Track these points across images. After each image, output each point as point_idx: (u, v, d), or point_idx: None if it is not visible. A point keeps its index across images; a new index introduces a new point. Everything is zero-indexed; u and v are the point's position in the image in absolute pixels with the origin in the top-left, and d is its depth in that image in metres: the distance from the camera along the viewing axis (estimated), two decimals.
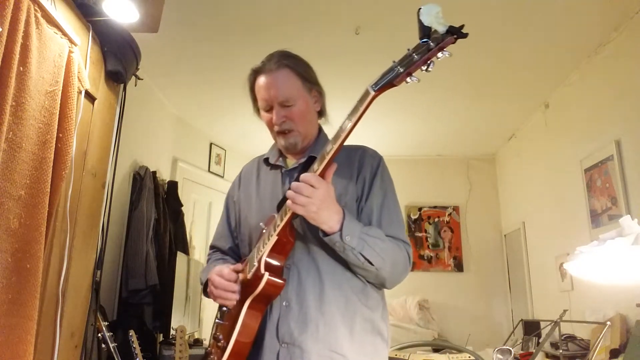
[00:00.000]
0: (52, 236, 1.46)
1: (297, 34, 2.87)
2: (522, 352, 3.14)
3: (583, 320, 2.84)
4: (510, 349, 1.99)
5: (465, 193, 4.94)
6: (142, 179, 3.20)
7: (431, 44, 0.90)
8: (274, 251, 1.17)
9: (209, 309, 4.21)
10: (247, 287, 1.20)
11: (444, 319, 4.53)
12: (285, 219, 1.13)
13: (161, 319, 3.05)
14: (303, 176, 1.09)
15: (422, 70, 0.96)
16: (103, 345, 2.06)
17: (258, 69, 1.37)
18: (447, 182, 4.96)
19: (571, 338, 2.85)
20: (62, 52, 1.45)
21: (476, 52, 3.07)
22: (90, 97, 1.68)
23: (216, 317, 1.36)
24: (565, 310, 2.36)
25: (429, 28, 0.89)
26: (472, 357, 2.88)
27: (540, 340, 2.97)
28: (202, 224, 4.35)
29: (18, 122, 1.25)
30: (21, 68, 1.26)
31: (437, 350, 3.55)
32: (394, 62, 0.97)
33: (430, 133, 4.42)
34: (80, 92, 1.58)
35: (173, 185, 3.69)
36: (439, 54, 0.92)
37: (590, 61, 3.04)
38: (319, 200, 1.07)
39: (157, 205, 3.26)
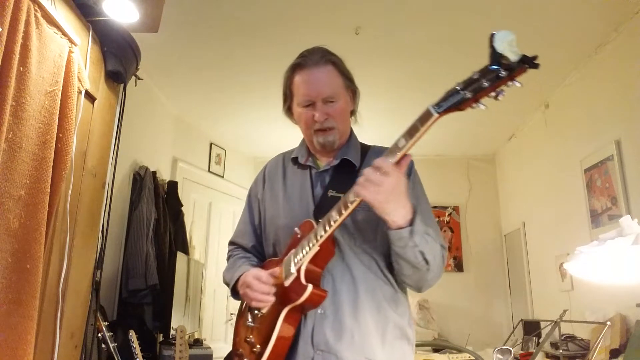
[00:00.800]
0: (52, 236, 1.46)
1: (297, 34, 2.87)
2: (522, 352, 3.14)
3: (583, 320, 2.84)
4: (510, 349, 1.99)
5: (465, 193, 4.94)
6: (142, 179, 3.20)
7: (502, 72, 0.88)
8: (314, 261, 1.16)
9: (209, 309, 4.21)
10: (283, 293, 1.18)
11: (444, 319, 4.53)
12: (330, 230, 1.11)
13: (161, 319, 3.05)
14: (377, 161, 1.05)
15: (489, 97, 0.93)
16: (103, 345, 2.05)
17: (300, 64, 1.31)
18: (447, 182, 4.95)
19: (571, 338, 2.85)
20: (62, 52, 1.45)
21: (476, 51, 3.06)
22: (90, 97, 1.68)
23: (239, 317, 1.35)
24: (565, 310, 2.36)
25: (500, 55, 0.87)
26: (472, 357, 2.88)
27: (540, 340, 2.96)
28: (202, 224, 4.35)
29: (18, 122, 1.25)
30: (21, 68, 1.26)
31: (437, 350, 3.55)
32: (458, 84, 0.94)
33: (430, 133, 4.41)
34: (80, 92, 1.58)
35: (173, 185, 3.69)
36: (509, 83, 0.89)
37: (590, 61, 3.04)
38: (389, 189, 1.04)
39: (157, 205, 3.25)
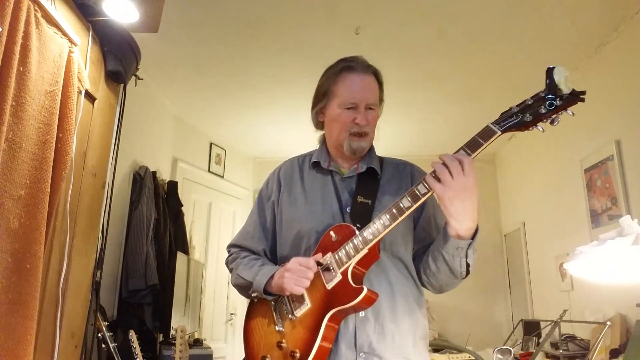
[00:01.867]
0: (52, 236, 1.46)
1: (297, 34, 2.87)
2: (522, 352, 3.14)
3: (583, 320, 2.84)
4: (510, 349, 1.99)
5: None
6: (142, 179, 3.20)
7: (558, 101, 1.00)
8: (360, 264, 1.17)
9: (209, 309, 4.21)
10: (325, 296, 1.18)
11: (444, 319, 4.53)
12: (381, 234, 1.13)
13: (161, 319, 3.05)
14: (459, 155, 1.06)
15: (544, 122, 1.05)
16: (103, 345, 2.06)
17: (349, 67, 1.33)
18: None
19: (571, 338, 2.85)
20: (62, 52, 1.45)
21: (476, 52, 3.07)
22: (90, 97, 1.68)
23: (257, 321, 1.32)
24: (565, 310, 2.36)
25: (557, 86, 0.99)
26: (472, 357, 2.88)
27: (540, 340, 2.97)
28: (202, 224, 4.35)
29: (18, 122, 1.25)
30: (21, 68, 1.26)
31: (437, 350, 3.56)
32: (513, 107, 1.07)
33: (430, 133, 4.43)
34: (80, 92, 1.58)
35: (173, 185, 3.69)
36: (562, 112, 1.01)
37: (590, 61, 3.04)
38: (459, 187, 1.04)
39: (157, 205, 3.26)
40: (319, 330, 1.15)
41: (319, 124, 1.42)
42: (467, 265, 1.16)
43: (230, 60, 3.22)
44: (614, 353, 2.38)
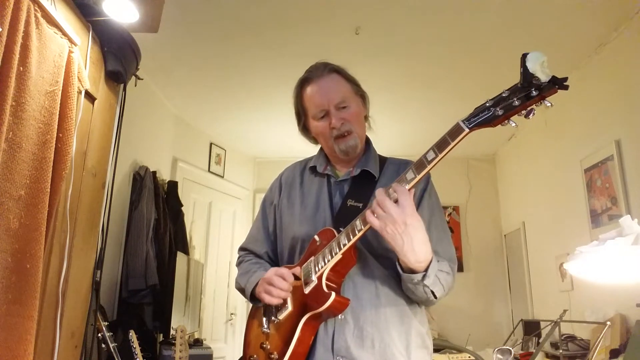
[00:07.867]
0: (52, 236, 1.46)
1: (297, 34, 2.87)
2: (522, 352, 3.14)
3: (583, 320, 2.84)
4: (510, 349, 1.99)
5: (465, 193, 4.94)
6: (142, 179, 3.20)
7: (533, 91, 0.88)
8: (335, 268, 1.16)
9: (209, 309, 4.21)
10: (303, 300, 1.18)
11: (444, 319, 4.53)
12: (354, 239, 1.10)
13: (161, 319, 3.05)
14: (394, 187, 1.04)
15: (519, 116, 0.93)
16: (103, 345, 2.05)
17: (306, 78, 1.34)
18: (447, 182, 4.94)
19: (571, 338, 2.85)
20: (62, 52, 1.45)
21: (476, 52, 3.07)
22: (90, 97, 1.68)
23: (252, 321, 1.34)
24: (565, 310, 2.36)
25: (532, 75, 0.88)
26: (472, 357, 2.88)
27: (540, 340, 2.97)
28: (202, 224, 4.35)
29: (18, 122, 1.25)
30: (21, 68, 1.26)
31: (437, 350, 3.55)
32: (487, 101, 0.96)
33: (429, 133, 4.42)
34: (80, 92, 1.58)
35: (173, 185, 3.69)
36: (539, 102, 0.90)
37: (590, 61, 3.04)
38: (392, 221, 1.02)
39: (157, 205, 3.26)
40: (295, 334, 1.15)
41: (313, 139, 1.42)
42: (433, 292, 1.12)
43: (231, 60, 3.22)
44: (614, 353, 2.38)
